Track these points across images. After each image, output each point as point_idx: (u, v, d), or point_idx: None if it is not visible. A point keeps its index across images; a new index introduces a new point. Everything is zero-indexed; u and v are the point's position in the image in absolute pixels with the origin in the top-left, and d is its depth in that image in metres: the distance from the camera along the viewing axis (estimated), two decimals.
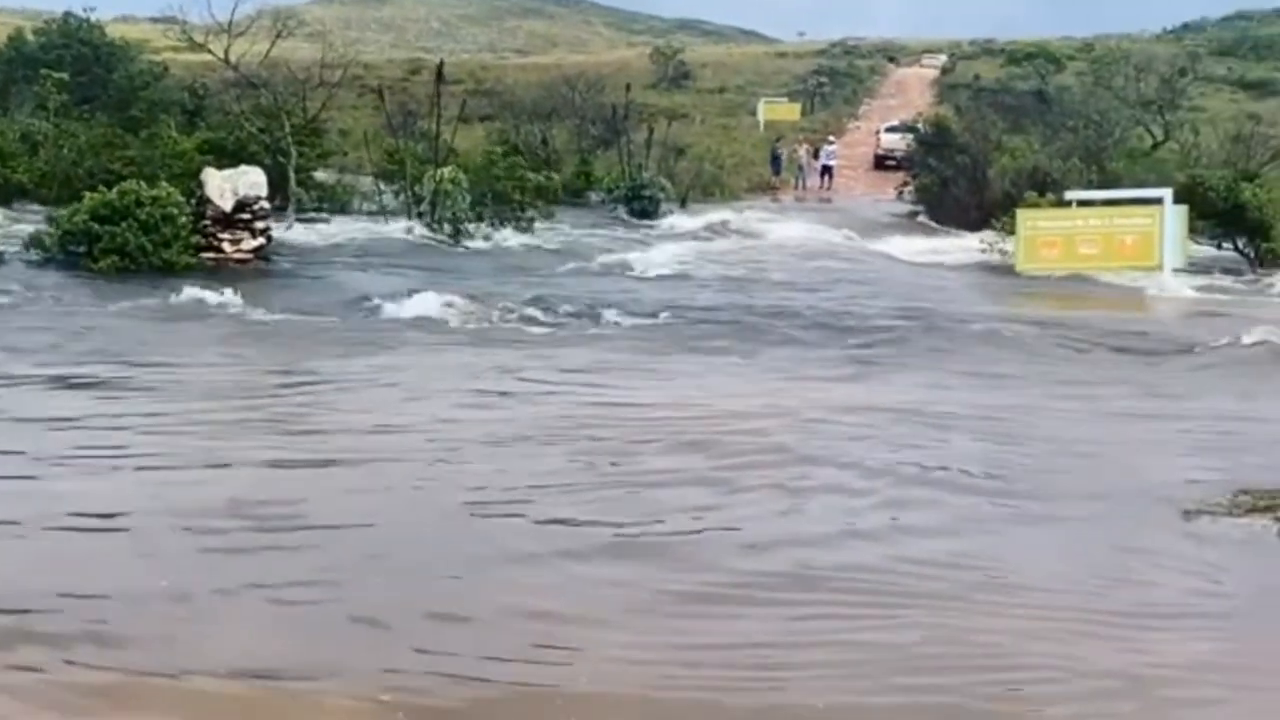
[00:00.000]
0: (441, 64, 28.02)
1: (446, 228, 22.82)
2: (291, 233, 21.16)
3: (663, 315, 15.20)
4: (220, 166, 19.51)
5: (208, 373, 11.02)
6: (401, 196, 24.77)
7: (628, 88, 36.82)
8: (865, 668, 5.09)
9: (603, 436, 8.72)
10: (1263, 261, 23.50)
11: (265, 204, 18.78)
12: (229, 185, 18.39)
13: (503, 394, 10.25)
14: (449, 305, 15.09)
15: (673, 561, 6.25)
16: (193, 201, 18.27)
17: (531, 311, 15.07)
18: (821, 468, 8.09)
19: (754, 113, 50.66)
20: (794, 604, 5.74)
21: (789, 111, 50.32)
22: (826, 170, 40.19)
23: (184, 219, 17.80)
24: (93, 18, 39.35)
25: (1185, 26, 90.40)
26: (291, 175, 23.08)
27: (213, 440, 8.39)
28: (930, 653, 5.23)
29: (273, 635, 5.22)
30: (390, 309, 14.88)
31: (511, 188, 24.21)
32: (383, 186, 25.74)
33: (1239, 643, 5.54)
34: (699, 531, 6.76)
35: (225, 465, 7.75)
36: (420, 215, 23.48)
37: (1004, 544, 6.85)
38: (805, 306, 16.30)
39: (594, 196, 31.31)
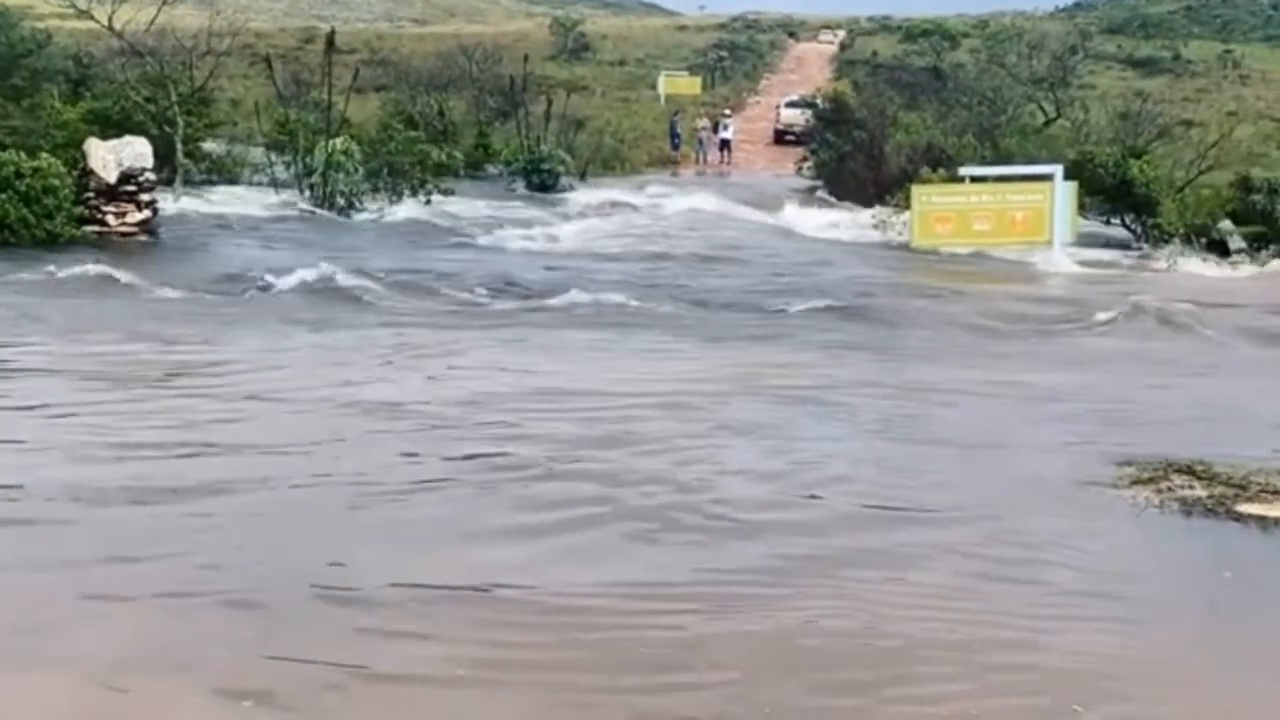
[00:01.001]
0: (333, 32, 27.45)
1: (339, 200, 22.44)
2: (179, 205, 20.61)
3: (544, 294, 14.93)
4: (106, 137, 18.90)
5: (86, 350, 10.64)
6: (293, 168, 24.28)
7: (526, 59, 36.43)
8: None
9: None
10: (1149, 237, 24.02)
11: (151, 175, 18.24)
12: (113, 156, 17.82)
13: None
14: (337, 280, 14.73)
15: None
16: (75, 173, 17.70)
17: (418, 287, 14.80)
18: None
19: (654, 86, 50.59)
20: None
21: (690, 85, 50.32)
22: (725, 144, 40.27)
23: (66, 190, 17.27)
24: None
25: (1077, 5, 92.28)
26: (179, 146, 22.49)
27: (95, 420, 8.10)
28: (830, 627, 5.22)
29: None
30: (275, 284, 14.47)
31: (410, 164, 23.85)
32: (274, 158, 25.22)
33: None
34: None
35: (106, 446, 7.47)
36: (312, 188, 23.04)
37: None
38: (698, 283, 16.28)
39: (492, 169, 31.02)
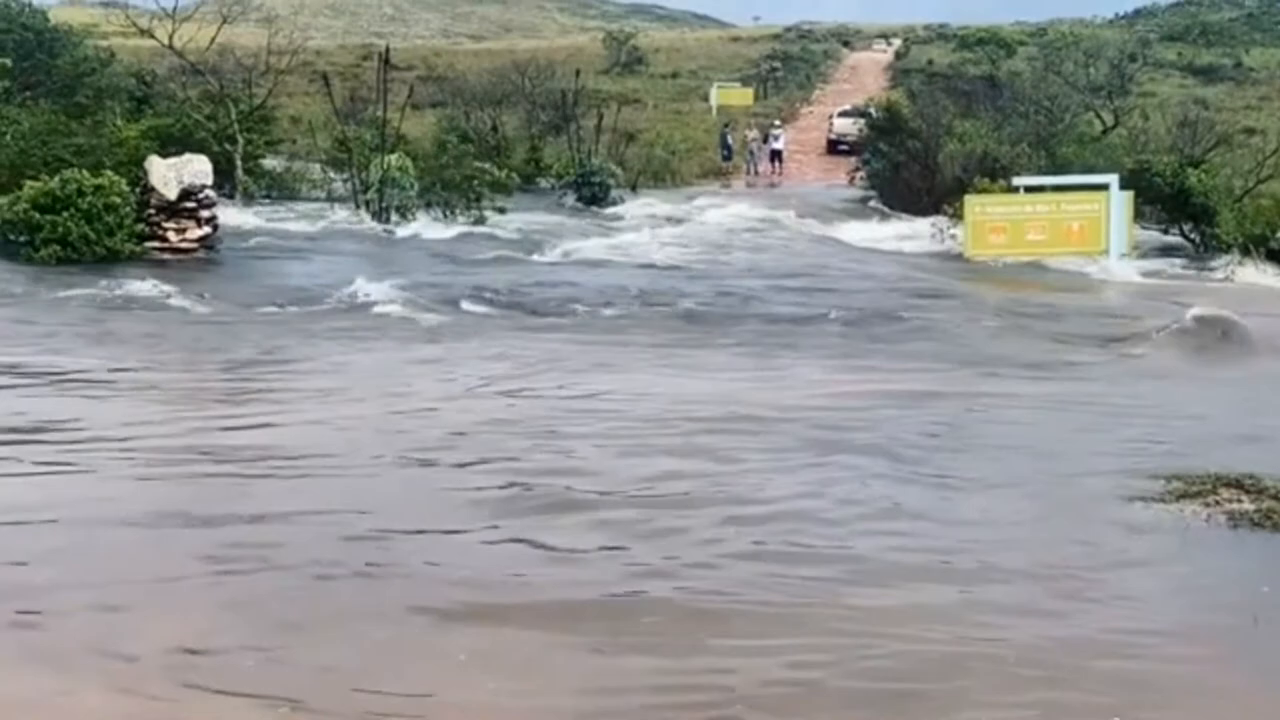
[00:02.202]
0: (387, 49, 27.81)
1: (394, 216, 22.71)
2: (238, 221, 20.94)
3: (601, 306, 15.10)
4: (167, 154, 19.24)
5: (147, 368, 10.89)
6: (350, 184, 24.62)
7: (578, 73, 36.67)
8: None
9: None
10: (1207, 246, 23.75)
11: (211, 192, 18.55)
12: (174, 173, 18.14)
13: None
14: (394, 298, 14.97)
15: None
16: (137, 190, 18.04)
17: (471, 302, 15.01)
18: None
19: (707, 98, 50.64)
20: None
21: (742, 96, 50.34)
22: (776, 155, 40.22)
23: (128, 208, 17.59)
24: (35, 2, 38.72)
25: (1137, 12, 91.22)
26: (239, 163, 22.85)
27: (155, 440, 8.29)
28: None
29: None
30: (332, 300, 14.78)
31: (463, 179, 24.10)
32: (331, 174, 25.56)
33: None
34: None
35: (166, 464, 7.64)
36: (368, 204, 23.34)
37: (936, 527, 6.92)
38: (754, 296, 16.32)
39: (544, 183, 31.21)
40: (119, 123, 24.08)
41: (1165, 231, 25.16)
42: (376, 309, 14.30)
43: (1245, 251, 22.48)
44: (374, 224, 22.46)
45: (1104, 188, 21.47)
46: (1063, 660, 5.14)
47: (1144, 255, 22.77)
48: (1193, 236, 24.52)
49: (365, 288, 15.04)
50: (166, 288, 14.81)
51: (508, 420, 8.97)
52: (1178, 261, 22.73)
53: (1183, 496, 7.40)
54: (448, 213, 23.59)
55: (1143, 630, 5.54)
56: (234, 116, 23.33)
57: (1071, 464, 8.16)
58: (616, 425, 8.89)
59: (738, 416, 9.21)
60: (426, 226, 22.65)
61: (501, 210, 24.33)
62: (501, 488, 7.25)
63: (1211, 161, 26.50)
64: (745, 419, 9.13)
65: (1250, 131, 38.23)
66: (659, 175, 34.92)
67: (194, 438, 8.28)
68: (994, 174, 27.04)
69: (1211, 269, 21.78)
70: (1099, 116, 37.55)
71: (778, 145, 40.33)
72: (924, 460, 8.15)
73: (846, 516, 6.96)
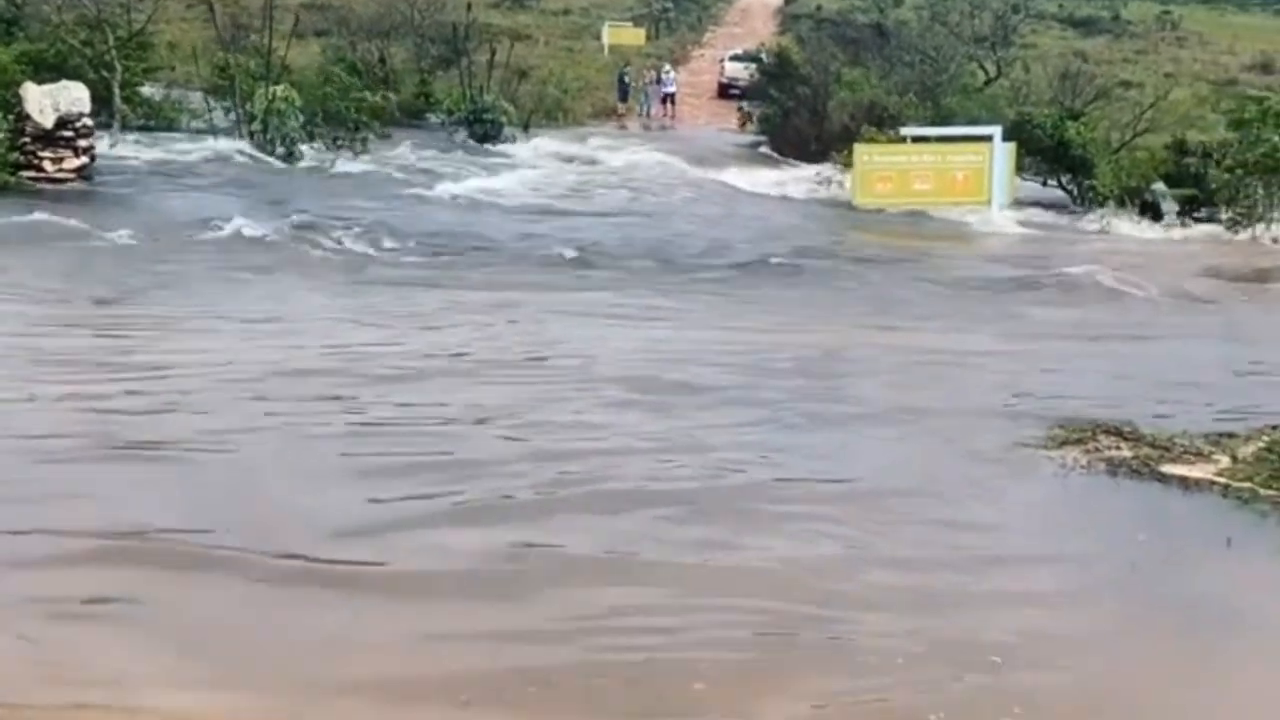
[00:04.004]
0: None
1: (279, 148, 22.21)
2: (116, 151, 20.31)
3: (476, 247, 15.03)
4: (41, 81, 18.55)
5: (18, 300, 10.57)
6: (232, 114, 23.97)
7: (469, 6, 35.99)
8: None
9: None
10: (1084, 199, 24.36)
11: (89, 121, 17.98)
12: (50, 101, 17.54)
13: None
14: (275, 230, 14.72)
15: None
16: (11, 118, 17.39)
17: (357, 240, 14.80)
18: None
19: (599, 36, 50.13)
20: None
21: (634, 36, 49.90)
22: (669, 97, 40.08)
23: (1, 136, 16.97)
24: None
25: None
26: (117, 91, 22.07)
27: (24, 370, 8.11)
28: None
29: None
30: (215, 233, 14.48)
31: (346, 107, 23.64)
32: (213, 103, 24.87)
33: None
34: None
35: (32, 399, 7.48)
36: (252, 134, 22.77)
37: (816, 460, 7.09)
38: (641, 237, 16.38)
39: (433, 119, 30.70)
40: None
41: (1044, 183, 25.70)
42: (258, 243, 14.05)
43: (1121, 203, 23.10)
44: (259, 156, 21.93)
45: (988, 139, 21.89)
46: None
47: (1024, 206, 23.28)
48: (1070, 188, 25.08)
49: (247, 222, 14.74)
50: (46, 219, 14.33)
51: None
52: (1055, 213, 23.27)
53: (1064, 444, 7.68)
54: (333, 145, 23.14)
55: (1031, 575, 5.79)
56: (111, 43, 22.47)
57: (948, 414, 8.35)
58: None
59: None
60: (311, 159, 22.22)
61: (386, 136, 23.91)
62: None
63: (1091, 114, 27.09)
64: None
65: (1127, 85, 39.15)
66: (551, 114, 34.50)
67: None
68: (881, 123, 27.31)
69: (1088, 220, 22.35)
70: (983, 67, 38.05)
71: (670, 88, 40.15)
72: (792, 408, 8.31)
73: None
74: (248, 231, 14.36)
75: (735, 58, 43.28)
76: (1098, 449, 7.61)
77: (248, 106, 23.14)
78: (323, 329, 9.99)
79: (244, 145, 22.39)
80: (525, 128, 31.04)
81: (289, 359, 8.79)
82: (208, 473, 6.45)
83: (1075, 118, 25.70)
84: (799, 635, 5.02)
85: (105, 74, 21.91)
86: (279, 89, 22.66)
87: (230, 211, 15.45)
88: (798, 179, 25.98)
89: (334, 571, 5.32)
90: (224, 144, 22.43)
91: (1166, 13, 65.90)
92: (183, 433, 7.01)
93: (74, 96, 17.74)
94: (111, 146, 20.25)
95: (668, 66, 43.25)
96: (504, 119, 29.79)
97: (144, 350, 8.94)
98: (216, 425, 7.17)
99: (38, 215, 14.50)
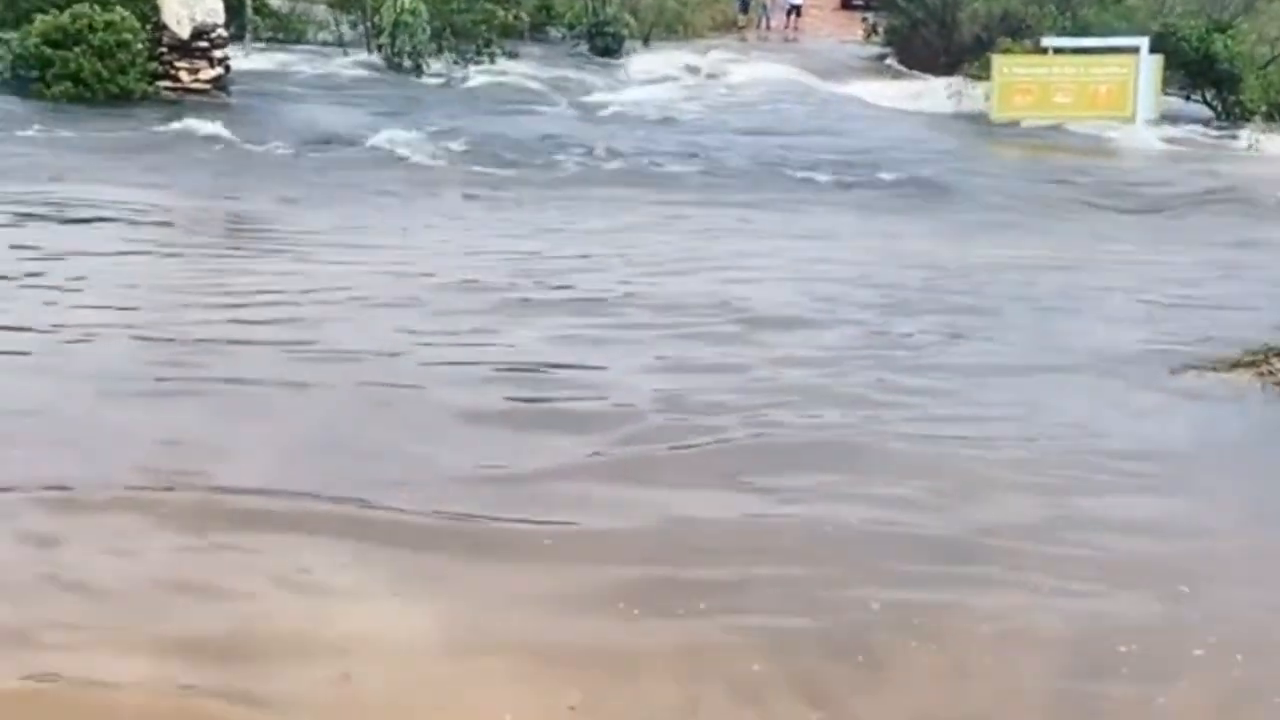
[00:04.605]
0: None
1: (407, 61, 22.25)
2: (249, 62, 20.50)
3: (632, 159, 14.96)
4: None
5: (165, 207, 10.75)
6: (359, 27, 24.05)
7: None
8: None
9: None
10: (1230, 114, 23.40)
11: (223, 32, 18.17)
12: (186, 12, 17.73)
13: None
14: (413, 142, 14.80)
15: None
16: (148, 28, 17.62)
17: (496, 152, 14.81)
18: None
19: None
20: None
21: None
22: (795, 9, 39.27)
23: (140, 46, 17.23)
24: None
25: None
26: (248, 2, 22.26)
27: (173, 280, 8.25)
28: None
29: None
30: (354, 145, 14.62)
31: (475, 23, 23.56)
32: (339, 17, 24.98)
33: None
34: None
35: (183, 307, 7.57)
36: (379, 48, 22.85)
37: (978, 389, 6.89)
38: (775, 154, 16.12)
39: (554, 33, 30.50)
40: None
41: (1188, 98, 24.73)
42: (407, 159, 14.13)
43: (1269, 119, 22.15)
44: (387, 68, 22.01)
45: (1134, 51, 21.06)
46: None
47: (1168, 122, 22.43)
48: (1216, 104, 24.12)
49: (391, 135, 14.83)
50: (187, 127, 14.55)
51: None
52: (1202, 128, 22.40)
53: (1236, 366, 7.38)
54: (459, 59, 23.11)
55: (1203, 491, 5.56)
56: None
57: (1116, 330, 8.10)
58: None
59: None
60: (441, 72, 22.24)
61: (513, 55, 23.82)
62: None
63: (1238, 27, 25.91)
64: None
65: None
66: (672, 27, 34.04)
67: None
68: (1016, 33, 26.47)
69: (1236, 137, 21.47)
70: None
71: (796, 0, 39.35)
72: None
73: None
74: (388, 145, 14.44)
75: None
76: (1272, 371, 7.30)
77: (375, 20, 23.19)
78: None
79: (373, 58, 22.49)
80: (646, 41, 30.71)
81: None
82: None
83: (1222, 30, 24.59)
84: None
85: None
86: (406, 2, 22.64)
87: (369, 124, 15.57)
88: (928, 92, 25.24)
89: None
90: (352, 57, 22.60)
91: None
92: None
93: (209, 7, 17.90)
94: (245, 57, 20.43)
95: None
96: (625, 32, 29.46)
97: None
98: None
99: (182, 122, 14.71)
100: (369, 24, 23.47)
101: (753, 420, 5.97)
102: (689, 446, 5.61)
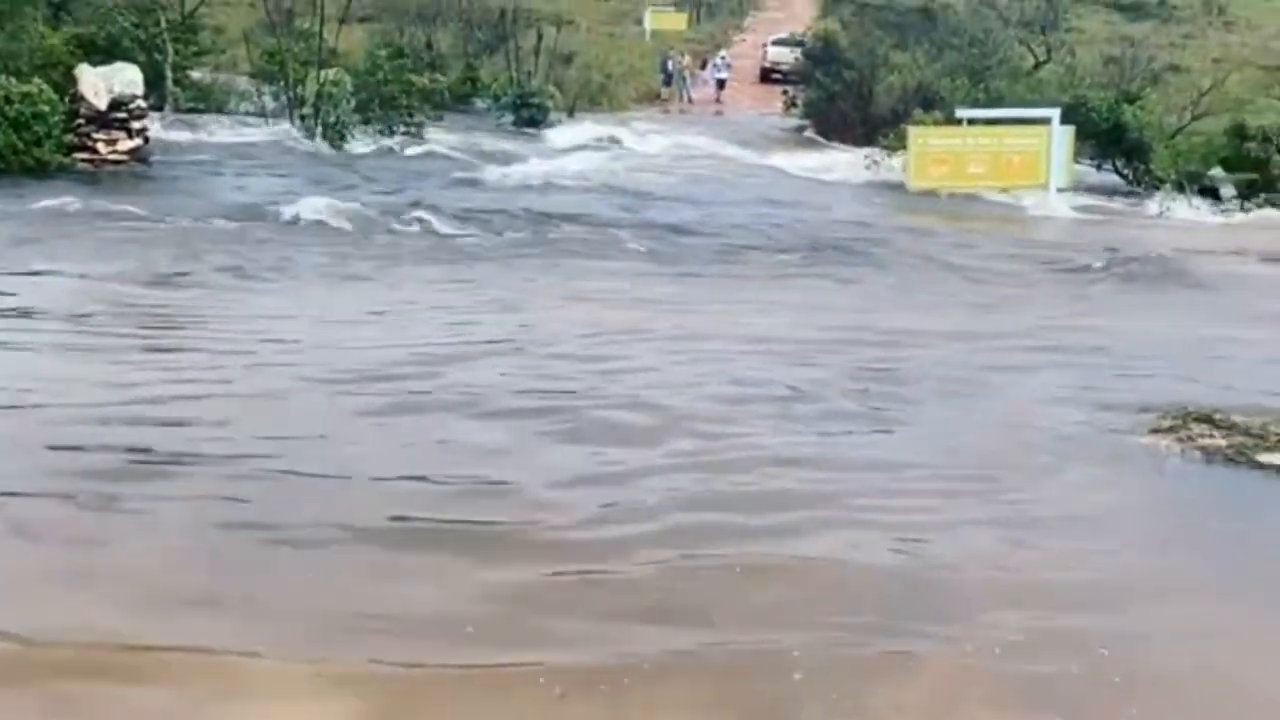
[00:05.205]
0: None
1: (330, 132, 22.22)
2: (169, 133, 20.35)
3: (534, 228, 14.92)
4: (92, 63, 18.61)
5: (77, 281, 10.51)
6: (282, 98, 24.00)
7: None
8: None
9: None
10: (1141, 183, 24.05)
11: (142, 103, 18.05)
12: (104, 83, 17.61)
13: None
14: (335, 212, 14.67)
15: None
16: (65, 99, 17.44)
17: (416, 221, 14.75)
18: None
19: (640, 21, 49.96)
20: None
21: (676, 21, 49.69)
22: (721, 82, 39.95)
23: (57, 117, 17.05)
24: None
25: None
26: (168, 74, 22.13)
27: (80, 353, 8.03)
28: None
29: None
30: (275, 215, 14.45)
31: (399, 92, 23.61)
32: (262, 88, 24.90)
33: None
34: None
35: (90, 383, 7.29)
36: (303, 118, 22.81)
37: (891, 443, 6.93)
38: (693, 222, 16.24)
39: (480, 104, 30.70)
40: (41, 29, 23.13)
41: (1098, 167, 25.41)
42: (320, 226, 14.00)
43: (1179, 187, 22.78)
44: (310, 140, 21.95)
45: (1045, 121, 21.61)
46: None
47: (1079, 190, 22.99)
48: (1127, 172, 24.79)
49: (312, 207, 14.69)
50: (101, 200, 14.33)
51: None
52: (1113, 197, 22.99)
53: (1155, 431, 7.47)
54: (386, 130, 23.13)
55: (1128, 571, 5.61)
56: (163, 25, 22.53)
57: (1036, 399, 8.14)
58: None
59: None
60: (364, 143, 22.22)
61: (439, 118, 23.89)
62: None
63: (1146, 98, 26.72)
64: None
65: (1175, 69, 38.70)
66: (595, 99, 34.45)
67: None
68: (929, 106, 27.08)
69: (1147, 204, 22.05)
70: (1031, 51, 37.68)
71: (723, 74, 40.02)
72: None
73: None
74: (308, 216, 14.31)
75: (778, 42, 43.03)
76: (1190, 437, 7.40)
77: (298, 90, 23.17)
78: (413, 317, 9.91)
79: (294, 129, 22.42)
80: (570, 112, 31.00)
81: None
82: None
83: (1131, 101, 25.36)
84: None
85: (156, 56, 21.98)
86: (329, 73, 22.67)
87: (289, 196, 15.43)
88: (845, 162, 25.72)
89: None
90: (275, 128, 22.51)
91: None
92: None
93: (128, 78, 17.80)
94: (164, 129, 20.28)
95: (723, 52, 43.17)
96: (549, 103, 29.73)
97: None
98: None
99: (96, 195, 14.49)
100: (291, 95, 23.41)
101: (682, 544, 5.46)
102: None
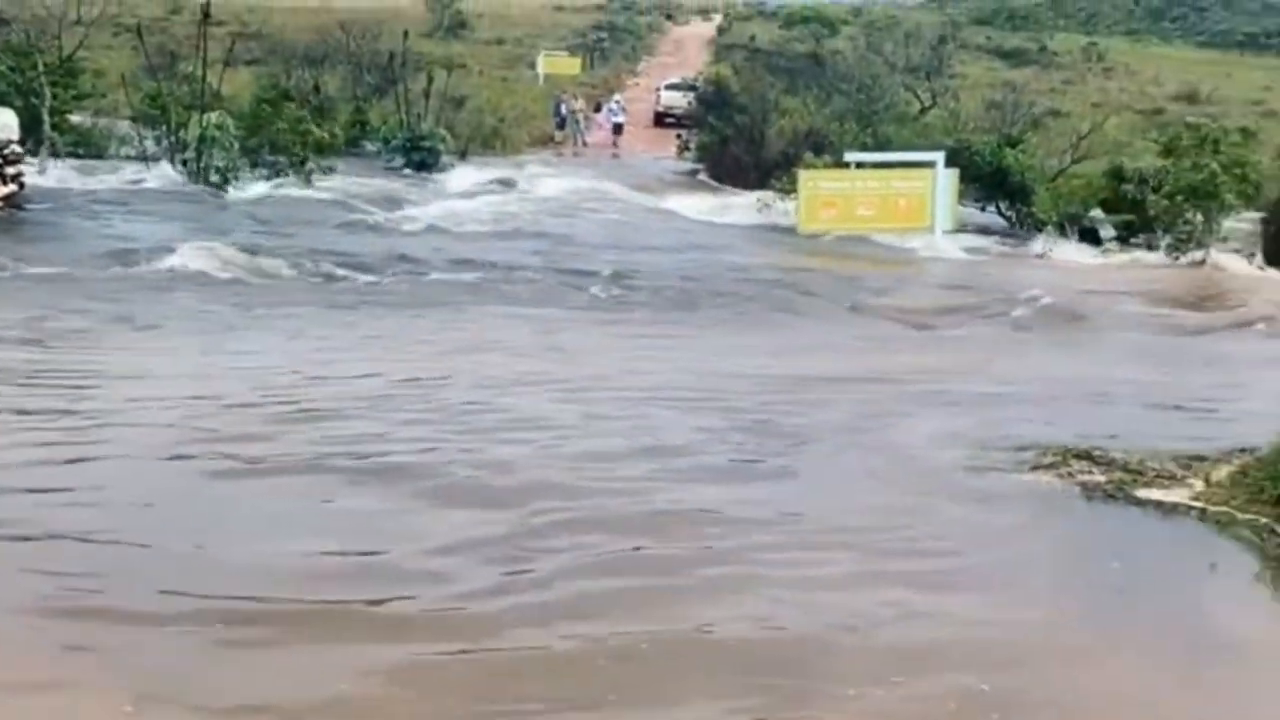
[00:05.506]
0: (207, 3, 26.50)
1: (213, 176, 21.82)
2: (47, 178, 19.82)
3: (425, 272, 14.78)
4: None
5: None
6: (164, 142, 23.52)
7: (405, 34, 35.77)
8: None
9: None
10: (1024, 224, 24.58)
11: (17, 148, 17.52)
12: None
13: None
14: (215, 259, 14.34)
15: None
16: None
17: (303, 267, 14.48)
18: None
19: (533, 66, 50.11)
20: None
21: (569, 65, 49.94)
22: (618, 126, 40.16)
23: None
24: None
25: None
26: (46, 118, 21.55)
27: None
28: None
29: None
30: (156, 262, 14.09)
31: (293, 140, 23.26)
32: (143, 132, 24.39)
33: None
34: None
35: None
36: (185, 163, 22.36)
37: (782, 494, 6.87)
38: (588, 265, 16.21)
39: (370, 146, 30.41)
40: None
41: (983, 209, 25.92)
42: (198, 274, 13.65)
43: (1060, 229, 23.29)
44: (192, 184, 21.51)
45: (930, 165, 22.01)
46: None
47: (965, 232, 23.42)
48: (1010, 214, 25.32)
49: (192, 252, 14.34)
50: None
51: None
52: (997, 238, 23.45)
53: (1036, 468, 7.55)
54: (275, 174, 22.79)
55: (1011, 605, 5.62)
56: (40, 69, 21.96)
57: (917, 438, 8.20)
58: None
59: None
60: (250, 188, 21.83)
61: (329, 170, 23.58)
62: None
63: (1027, 142, 27.36)
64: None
65: (1056, 114, 39.82)
66: (488, 142, 34.37)
67: None
68: (820, 149, 27.42)
69: (1029, 246, 22.52)
70: (917, 96, 38.44)
71: (619, 117, 40.26)
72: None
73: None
74: (186, 262, 13.95)
75: (671, 86, 43.48)
76: (1070, 474, 7.50)
77: (180, 134, 22.73)
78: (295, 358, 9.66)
79: (176, 173, 21.97)
80: (463, 155, 30.87)
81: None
82: None
83: (1013, 145, 25.93)
84: None
85: (34, 100, 21.41)
86: (213, 116, 22.27)
87: (167, 242, 15.03)
88: (738, 205, 25.94)
89: None
90: (156, 172, 22.04)
91: (1092, 44, 67.27)
92: None
93: (2, 123, 17.28)
94: (41, 174, 19.74)
95: (618, 96, 43.47)
96: (441, 147, 29.55)
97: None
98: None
99: None
100: (173, 139, 22.96)
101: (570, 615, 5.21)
102: None
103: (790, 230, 22.13)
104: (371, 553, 5.66)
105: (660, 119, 42.57)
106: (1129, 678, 4.92)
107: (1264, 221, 22.26)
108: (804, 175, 22.67)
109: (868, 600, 5.47)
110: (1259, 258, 21.25)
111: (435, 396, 8.61)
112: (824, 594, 5.53)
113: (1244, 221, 22.66)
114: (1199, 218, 21.39)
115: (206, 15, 25.04)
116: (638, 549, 5.95)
